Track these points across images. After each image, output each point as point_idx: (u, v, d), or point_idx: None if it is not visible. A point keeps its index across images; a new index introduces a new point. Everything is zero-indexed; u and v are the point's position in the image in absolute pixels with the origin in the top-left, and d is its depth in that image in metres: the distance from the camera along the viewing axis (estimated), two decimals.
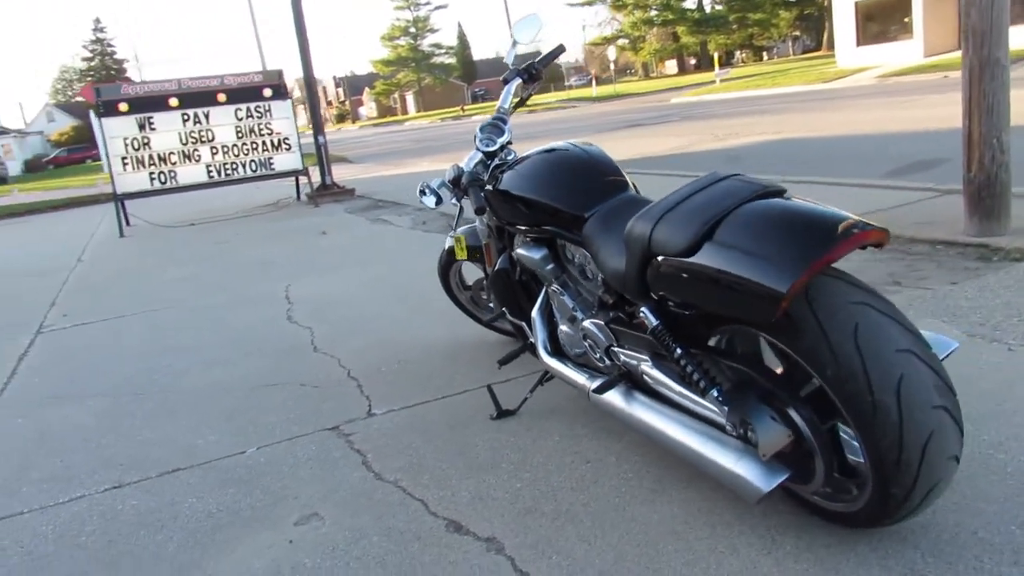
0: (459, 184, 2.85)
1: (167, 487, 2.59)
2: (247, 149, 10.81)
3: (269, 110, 10.84)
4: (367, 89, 78.86)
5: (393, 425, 2.86)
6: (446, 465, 2.47)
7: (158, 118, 10.40)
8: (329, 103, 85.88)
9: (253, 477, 2.58)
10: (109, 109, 10.21)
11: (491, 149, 2.75)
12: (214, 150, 10.68)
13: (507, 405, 2.76)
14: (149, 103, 10.38)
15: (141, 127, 10.36)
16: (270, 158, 10.92)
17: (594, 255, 2.25)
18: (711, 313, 1.84)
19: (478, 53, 77.85)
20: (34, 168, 49.10)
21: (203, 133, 10.61)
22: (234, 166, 10.78)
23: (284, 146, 10.98)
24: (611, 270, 2.13)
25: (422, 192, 2.94)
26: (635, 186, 2.50)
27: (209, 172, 10.68)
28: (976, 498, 1.90)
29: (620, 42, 60.25)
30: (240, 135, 10.76)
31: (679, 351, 1.92)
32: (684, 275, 1.78)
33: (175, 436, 3.01)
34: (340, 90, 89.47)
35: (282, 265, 6.48)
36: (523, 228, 2.60)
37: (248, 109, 10.77)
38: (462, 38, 72.61)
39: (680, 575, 1.78)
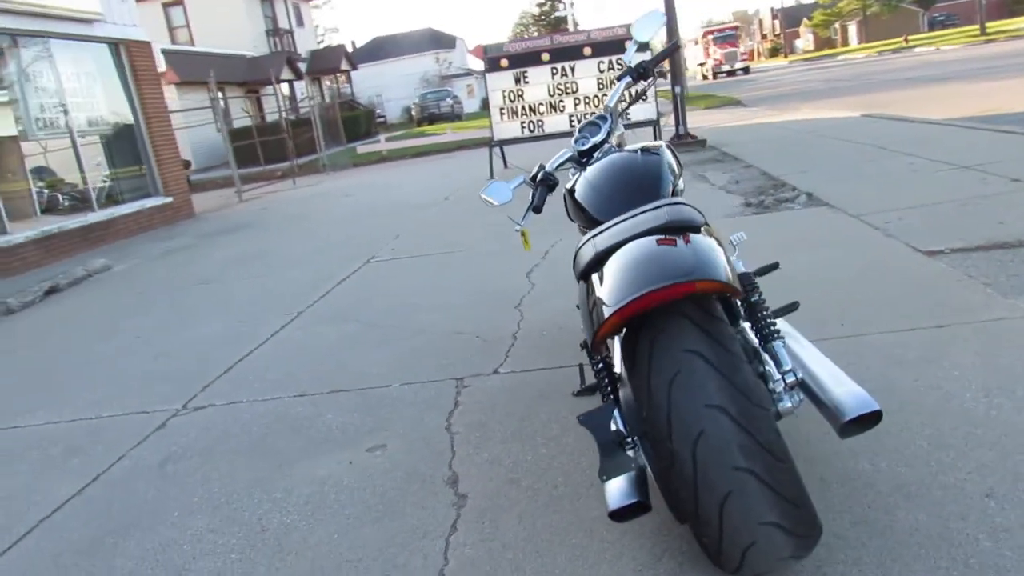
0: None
1: (325, 403, 3.40)
2: (607, 99, 11.45)
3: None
4: (804, 20, 73.96)
5: (502, 385, 3.28)
6: (500, 428, 2.84)
7: (531, 72, 11.59)
8: (764, 36, 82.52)
9: (376, 407, 3.25)
10: (493, 65, 11.68)
11: (584, 148, 2.90)
12: (576, 101, 11.56)
13: None
14: (525, 59, 11.59)
15: (517, 80, 11.65)
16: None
17: None
18: None
19: None
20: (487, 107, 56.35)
21: (568, 85, 11.53)
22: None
23: (641, 97, 11.36)
24: None
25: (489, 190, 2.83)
26: (678, 196, 2.51)
27: (571, 122, 11.59)
28: None
29: None
30: (601, 86, 11.46)
31: (600, 366, 2.03)
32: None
33: (364, 364, 3.82)
34: (776, 22, 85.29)
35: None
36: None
37: (610, 61, 11.38)
38: None
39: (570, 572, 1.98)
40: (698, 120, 16.43)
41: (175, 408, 3.61)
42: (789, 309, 2.38)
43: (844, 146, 8.75)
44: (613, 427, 1.83)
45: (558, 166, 2.89)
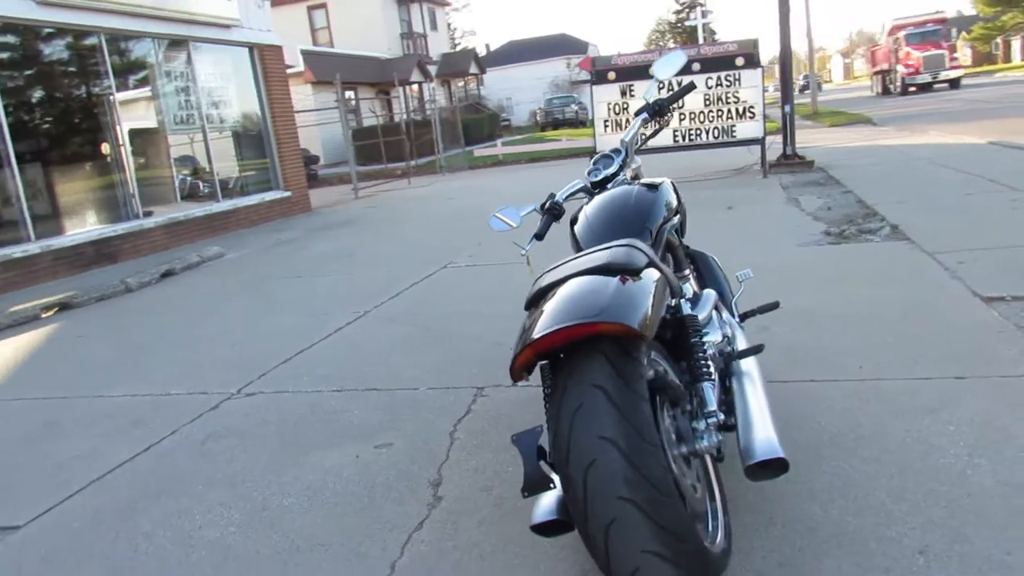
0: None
1: (356, 399, 3.68)
2: (712, 116, 11.37)
3: (738, 79, 11.15)
4: (963, 34, 69.34)
5: (516, 397, 3.45)
6: (497, 438, 3.02)
7: (638, 86, 11.62)
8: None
9: (399, 408, 3.50)
10: (600, 78, 11.80)
11: (596, 179, 3.02)
12: (681, 116, 11.49)
13: None
14: (632, 72, 11.64)
15: (623, 93, 11.73)
16: (733, 126, 11.30)
17: None
18: None
19: None
20: None
21: None
22: (697, 132, 11.46)
23: (748, 114, 11.21)
24: None
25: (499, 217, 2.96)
26: (670, 230, 2.61)
27: (675, 137, 11.57)
28: None
29: None
30: (707, 102, 11.36)
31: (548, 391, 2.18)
32: None
33: (404, 366, 4.09)
34: None
35: None
36: None
37: (718, 78, 11.26)
38: None
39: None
40: (818, 138, 15.93)
41: (230, 392, 4.00)
42: (755, 351, 2.44)
43: (953, 176, 8.34)
44: (540, 447, 1.98)
45: (568, 196, 3.02)
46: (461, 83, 39.57)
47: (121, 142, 10.16)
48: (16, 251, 8.30)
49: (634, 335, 1.75)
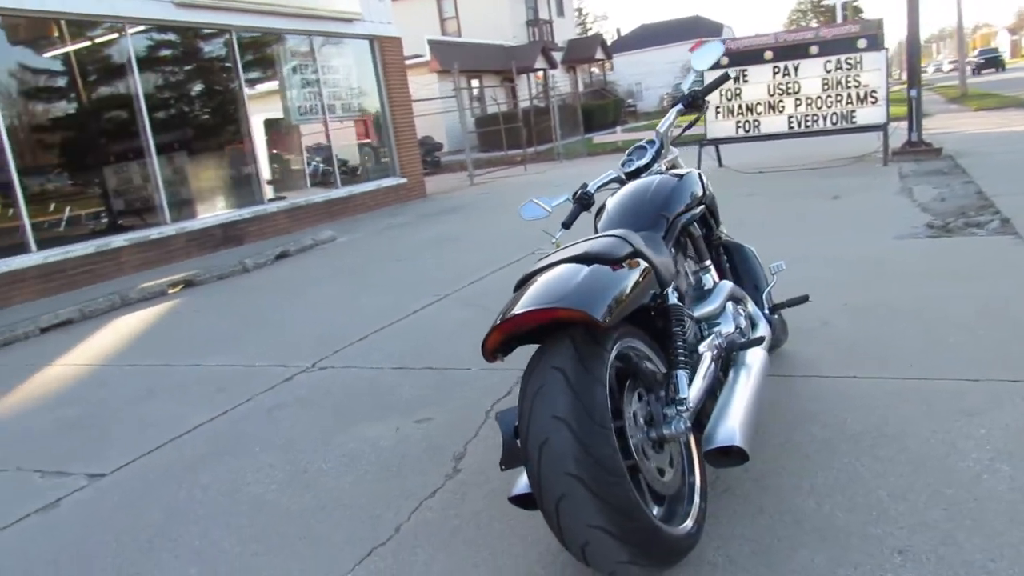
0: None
1: (411, 376, 3.91)
2: (830, 101, 10.89)
3: (860, 62, 10.62)
4: None
5: None
6: None
7: (752, 71, 11.29)
8: None
9: (448, 386, 3.69)
10: (714, 63, 11.53)
11: (629, 170, 3.07)
12: (798, 102, 11.08)
13: None
14: (746, 56, 11.31)
15: (736, 79, 11.42)
16: (852, 111, 10.78)
17: None
18: None
19: None
20: None
21: (790, 85, 11.09)
22: (815, 118, 11.02)
23: (870, 99, 10.67)
24: None
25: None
26: (691, 220, 2.65)
27: (790, 123, 11.17)
28: None
29: None
30: (826, 87, 10.88)
31: None
32: None
33: (465, 347, 4.27)
34: None
35: (748, 225, 6.94)
36: None
37: (838, 61, 10.76)
38: None
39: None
40: (958, 124, 14.90)
41: (305, 365, 4.33)
42: (756, 343, 2.44)
43: None
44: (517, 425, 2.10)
45: (600, 187, 3.08)
46: (595, 68, 39.41)
47: (250, 133, 10.93)
48: (153, 233, 9.14)
49: (590, 322, 1.84)
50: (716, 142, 11.70)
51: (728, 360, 2.44)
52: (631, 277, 2.01)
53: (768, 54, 11.15)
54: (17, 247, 7.89)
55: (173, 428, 3.62)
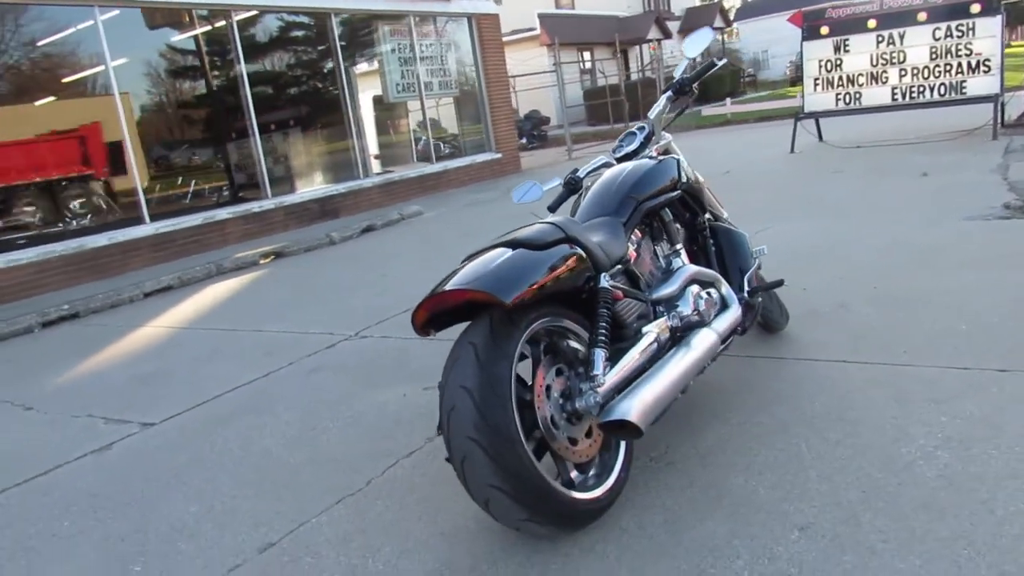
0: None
1: (435, 346, 4.13)
2: (938, 71, 10.28)
3: (972, 28, 9.96)
4: None
5: None
6: None
7: (853, 40, 10.80)
8: None
9: None
10: (812, 33, 11.11)
11: (619, 156, 3.17)
12: (902, 72, 10.52)
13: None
14: (848, 25, 10.83)
15: (836, 49, 10.96)
16: (962, 81, 10.14)
17: None
18: None
19: None
20: None
21: (894, 55, 10.54)
22: (921, 89, 10.44)
23: (982, 68, 10.00)
24: None
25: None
26: (663, 205, 2.76)
27: (894, 95, 10.63)
28: None
29: None
30: (933, 56, 10.28)
31: None
32: None
33: None
34: None
35: (823, 203, 6.78)
36: None
37: (948, 28, 10.13)
38: None
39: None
40: None
41: (349, 334, 4.68)
42: (699, 325, 2.54)
43: None
44: None
45: (590, 172, 3.20)
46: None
47: (348, 111, 11.48)
48: (254, 207, 9.84)
49: (495, 303, 2.02)
50: (814, 115, 11.28)
51: (675, 340, 2.55)
52: (552, 262, 2.17)
53: (872, 22, 10.62)
54: (133, 220, 8.73)
55: (221, 386, 4.05)
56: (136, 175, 8.70)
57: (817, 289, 4.16)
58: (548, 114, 24.89)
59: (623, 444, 2.32)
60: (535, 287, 2.09)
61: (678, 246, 2.89)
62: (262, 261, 8.03)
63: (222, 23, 9.89)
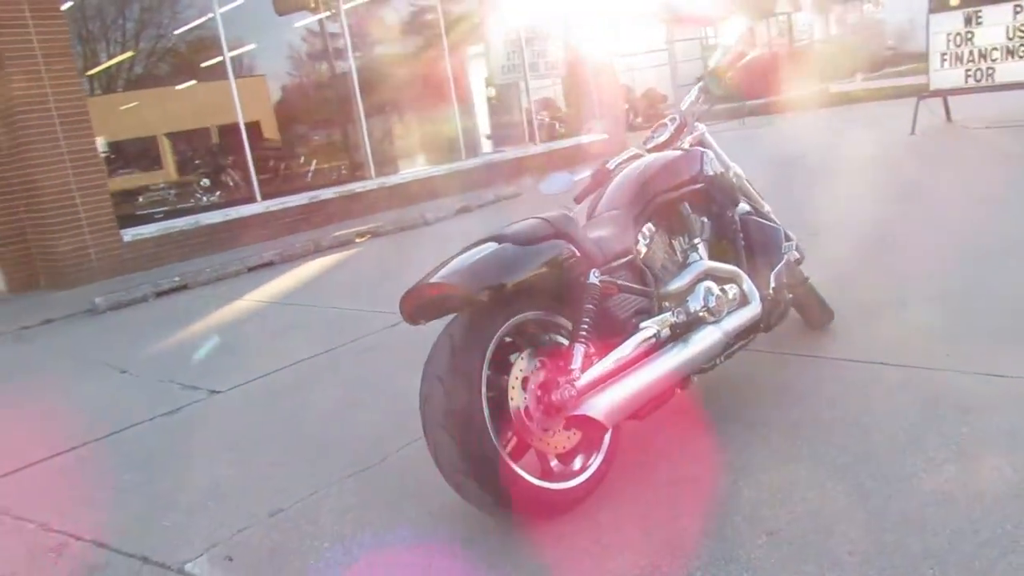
0: None
1: None
2: None
3: None
4: None
5: None
6: None
7: (987, 11, 9.98)
8: None
9: None
10: (940, 5, 10.35)
11: (649, 147, 3.14)
12: None
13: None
14: None
15: (967, 21, 10.16)
16: None
17: None
18: None
19: None
20: None
21: None
22: None
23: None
24: None
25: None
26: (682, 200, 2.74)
27: None
28: None
29: None
30: None
31: None
32: None
33: None
34: None
35: (926, 191, 6.39)
36: None
37: None
38: None
39: None
40: None
41: None
42: (699, 325, 2.52)
43: None
44: None
45: (619, 163, 3.18)
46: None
47: (451, 93, 11.72)
48: (357, 187, 10.26)
49: (468, 297, 2.09)
50: (941, 93, 10.52)
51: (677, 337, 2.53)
52: (535, 257, 2.22)
53: None
54: (246, 199, 9.32)
55: (284, 360, 4.32)
56: (248, 156, 9.26)
57: (879, 285, 3.98)
58: (665, 92, 24.39)
59: (606, 438, 2.35)
60: (513, 282, 2.15)
61: (696, 240, 2.85)
62: (357, 240, 8.39)
63: (330, 13, 10.32)
